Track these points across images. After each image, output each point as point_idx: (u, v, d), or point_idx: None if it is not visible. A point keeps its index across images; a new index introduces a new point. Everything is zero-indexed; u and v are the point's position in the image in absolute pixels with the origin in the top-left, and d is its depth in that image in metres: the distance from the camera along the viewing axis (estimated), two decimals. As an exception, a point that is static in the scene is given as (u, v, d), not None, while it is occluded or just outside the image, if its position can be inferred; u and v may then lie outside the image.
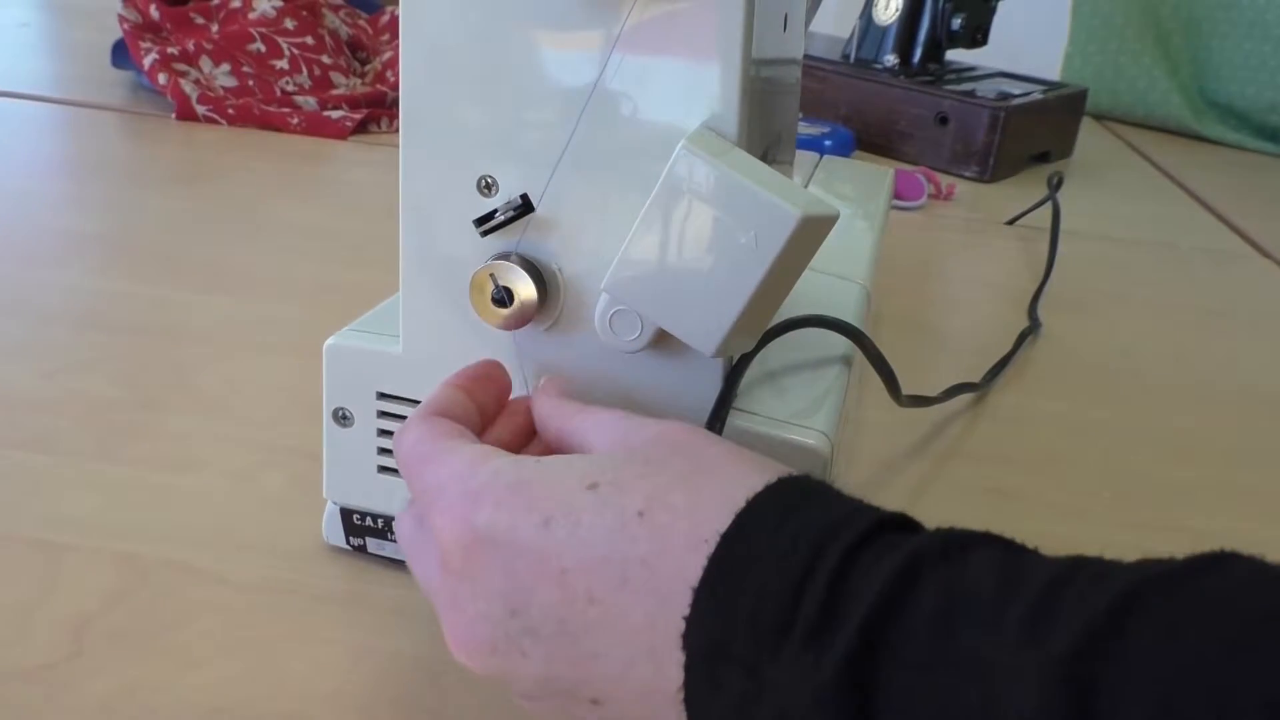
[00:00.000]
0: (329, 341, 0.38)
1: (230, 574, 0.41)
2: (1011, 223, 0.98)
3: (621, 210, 0.32)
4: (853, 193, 0.65)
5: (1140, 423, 0.62)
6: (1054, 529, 0.50)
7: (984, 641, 0.20)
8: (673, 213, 0.30)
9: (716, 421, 0.34)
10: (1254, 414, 0.65)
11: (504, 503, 0.26)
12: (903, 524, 0.25)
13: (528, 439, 0.33)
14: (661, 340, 0.33)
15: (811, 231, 0.30)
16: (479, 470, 0.27)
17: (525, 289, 0.33)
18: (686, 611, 0.24)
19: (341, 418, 0.39)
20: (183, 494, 0.46)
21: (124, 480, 0.46)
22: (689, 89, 0.31)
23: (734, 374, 0.35)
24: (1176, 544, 0.50)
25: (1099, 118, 1.54)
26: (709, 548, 0.24)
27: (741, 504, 0.24)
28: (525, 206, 0.33)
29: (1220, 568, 0.20)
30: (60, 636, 0.37)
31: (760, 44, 0.32)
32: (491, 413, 0.33)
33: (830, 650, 0.21)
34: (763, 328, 0.33)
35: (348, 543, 0.42)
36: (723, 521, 0.24)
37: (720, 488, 0.25)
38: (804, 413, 0.36)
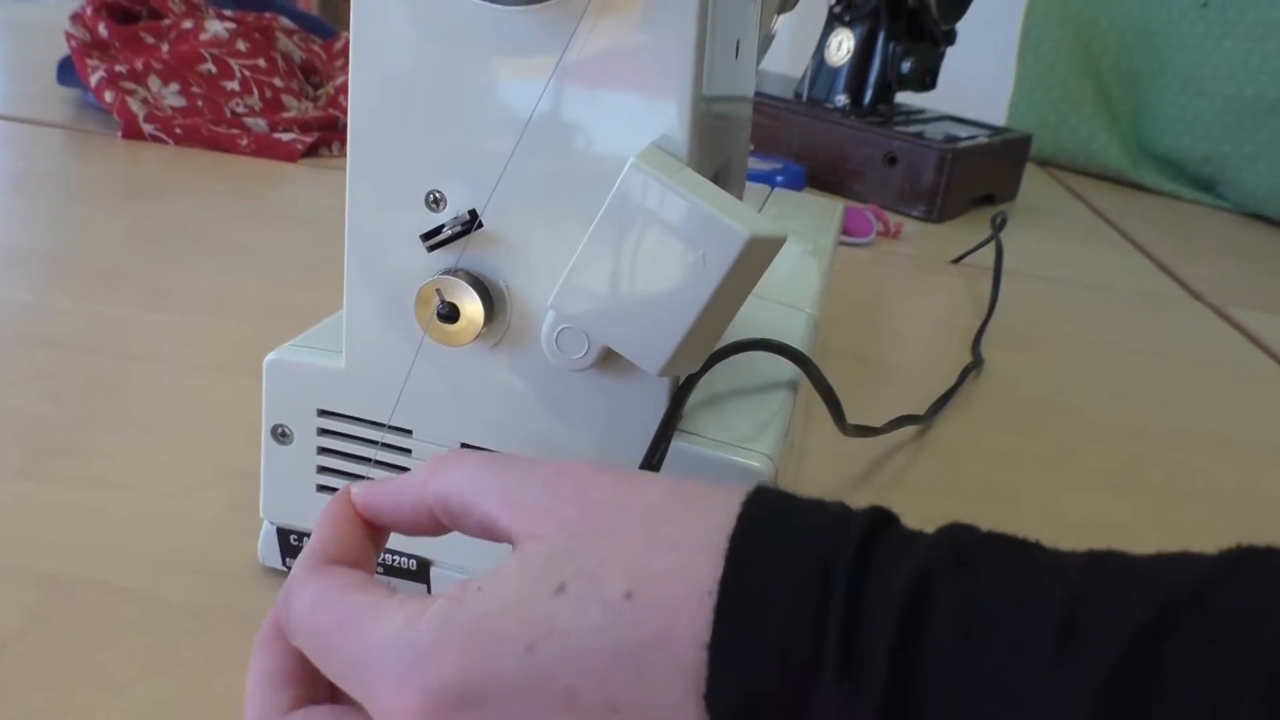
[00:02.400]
0: (269, 356, 0.37)
1: (159, 594, 0.40)
2: (957, 261, 1.00)
3: (569, 227, 0.32)
4: (802, 225, 0.65)
5: (1077, 458, 0.64)
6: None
7: (1013, 666, 0.20)
8: (621, 230, 0.30)
9: (661, 442, 0.33)
10: (1184, 452, 0.67)
11: (469, 649, 0.23)
12: (886, 519, 0.24)
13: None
14: (608, 360, 0.33)
15: (759, 252, 0.30)
16: (418, 625, 0.23)
17: (471, 305, 0.33)
18: (707, 672, 0.22)
19: (281, 435, 0.38)
20: (113, 514, 0.44)
21: (51, 499, 0.45)
22: (639, 106, 0.31)
23: (679, 395, 0.35)
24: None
25: (1042, 163, 1.58)
26: (712, 599, 0.22)
27: (725, 544, 0.23)
28: (472, 222, 0.33)
29: (1246, 570, 0.20)
30: (-24, 658, 0.36)
31: (712, 68, 0.33)
32: (382, 540, 0.30)
33: (863, 691, 0.20)
34: (709, 349, 0.33)
35: (284, 564, 0.41)
36: (715, 569, 0.22)
37: (691, 536, 0.23)
38: (748, 436, 0.36)
